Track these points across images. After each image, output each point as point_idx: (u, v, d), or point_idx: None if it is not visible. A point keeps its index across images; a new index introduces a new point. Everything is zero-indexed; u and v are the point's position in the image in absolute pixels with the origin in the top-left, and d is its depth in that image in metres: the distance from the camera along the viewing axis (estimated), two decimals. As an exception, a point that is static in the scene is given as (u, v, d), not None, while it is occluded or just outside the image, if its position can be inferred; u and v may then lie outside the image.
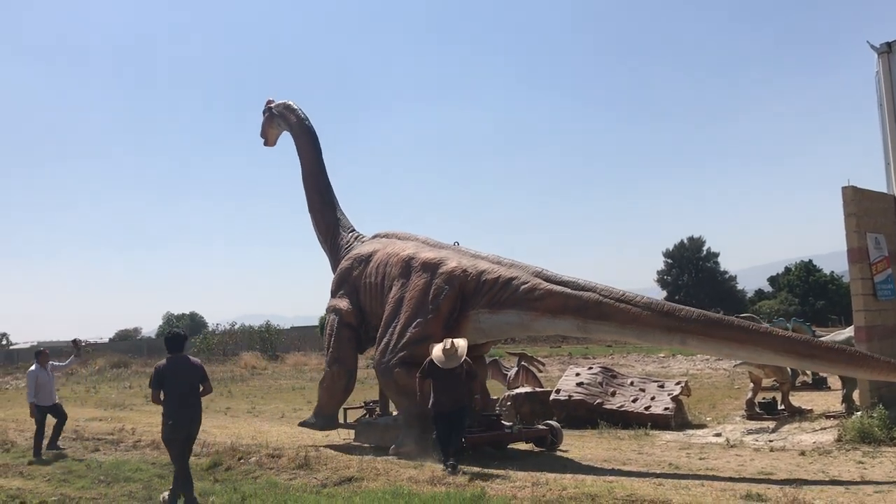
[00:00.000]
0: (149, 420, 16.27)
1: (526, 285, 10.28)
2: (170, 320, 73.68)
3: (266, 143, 15.75)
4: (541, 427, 11.32)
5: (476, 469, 8.98)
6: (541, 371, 19.87)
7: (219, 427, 14.92)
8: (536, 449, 11.09)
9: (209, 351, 43.99)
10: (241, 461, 10.21)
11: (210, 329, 54.17)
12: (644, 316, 9.36)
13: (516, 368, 18.72)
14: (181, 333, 8.42)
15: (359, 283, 12.34)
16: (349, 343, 12.19)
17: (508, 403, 14.96)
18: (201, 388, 8.16)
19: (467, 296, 10.75)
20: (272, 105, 15.33)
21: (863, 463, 9.11)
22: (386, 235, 12.98)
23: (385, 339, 11.21)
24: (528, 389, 15.80)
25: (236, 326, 49.58)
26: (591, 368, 15.01)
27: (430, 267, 11.16)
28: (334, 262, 13.57)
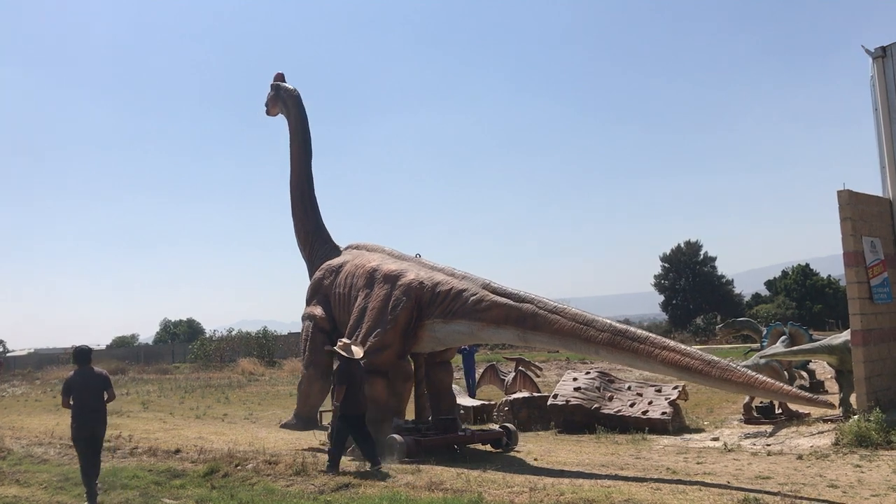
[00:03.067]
0: (146, 427, 16.25)
1: (474, 297, 10.83)
2: (167, 327, 73.44)
3: (267, 113, 15.61)
4: (496, 429, 11.96)
5: (475, 473, 8.99)
6: (538, 376, 19.88)
7: (216, 433, 14.91)
8: (493, 450, 11.52)
9: (206, 357, 43.84)
10: (238, 468, 10.18)
11: (207, 335, 54.07)
12: (569, 327, 9.84)
13: (514, 373, 18.74)
14: (86, 348, 9.53)
15: (329, 292, 12.90)
16: (323, 346, 12.55)
17: (506, 408, 14.97)
18: (105, 396, 9.18)
19: (423, 306, 11.30)
20: (282, 85, 15.25)
21: (860, 466, 9.11)
22: (357, 247, 13.54)
23: None
24: (525, 394, 15.81)
25: (233, 332, 49.45)
26: (588, 373, 15.01)
27: (391, 279, 11.73)
28: (311, 271, 14.03)
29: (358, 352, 10.41)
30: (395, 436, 10.60)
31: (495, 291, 10.74)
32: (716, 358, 8.88)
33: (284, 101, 15.09)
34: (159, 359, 48.29)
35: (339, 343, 10.53)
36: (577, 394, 14.08)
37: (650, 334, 9.49)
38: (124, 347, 61.86)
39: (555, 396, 14.31)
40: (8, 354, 65.62)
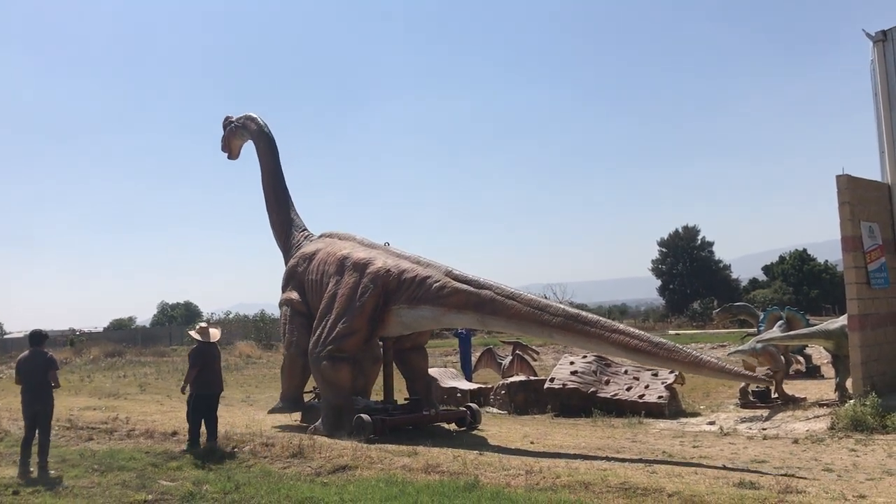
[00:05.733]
0: (143, 409, 16.27)
1: (438, 283, 11.25)
2: (164, 309, 73.40)
3: (230, 157, 16.44)
4: (460, 409, 12.62)
5: (472, 456, 9.01)
6: (535, 360, 19.90)
7: (213, 416, 14.92)
8: (458, 428, 12.02)
9: (203, 340, 43.85)
10: (235, 450, 10.22)
11: (205, 318, 54.11)
12: (524, 312, 10.30)
13: (511, 357, 18.74)
14: (41, 332, 9.98)
15: (303, 279, 13.25)
16: (302, 328, 12.94)
17: (503, 392, 15.00)
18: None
19: (390, 293, 11.69)
20: (233, 119, 16.06)
21: (855, 451, 9.15)
22: (330, 235, 13.90)
23: (318, 332, 12.08)
24: (522, 378, 15.84)
25: (231, 315, 49.47)
26: (585, 357, 15.02)
27: (360, 267, 12.11)
28: (287, 259, 14.40)
29: (215, 334, 10.94)
30: (362, 415, 11.05)
31: (457, 278, 11.17)
32: (663, 340, 9.44)
33: (243, 123, 15.78)
34: (157, 341, 48.24)
35: (196, 325, 10.94)
36: (573, 377, 14.11)
37: (601, 318, 9.97)
38: (122, 330, 61.86)
39: (552, 380, 14.34)
40: (5, 336, 65.62)
